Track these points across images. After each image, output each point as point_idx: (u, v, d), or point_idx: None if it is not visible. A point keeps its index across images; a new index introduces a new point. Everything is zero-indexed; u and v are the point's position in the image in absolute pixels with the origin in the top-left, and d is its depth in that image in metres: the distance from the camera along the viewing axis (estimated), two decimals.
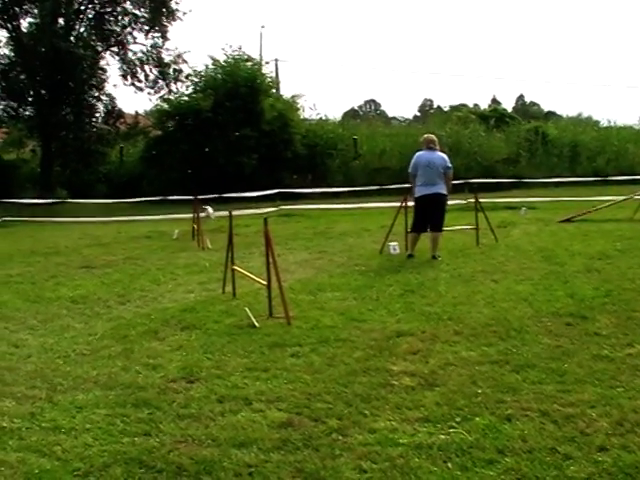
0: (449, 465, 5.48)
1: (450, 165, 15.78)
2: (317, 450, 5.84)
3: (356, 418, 6.45)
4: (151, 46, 41.33)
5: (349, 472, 5.45)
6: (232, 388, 7.39)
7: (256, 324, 9.89)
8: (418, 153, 15.86)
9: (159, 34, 41.19)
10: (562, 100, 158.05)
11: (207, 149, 35.80)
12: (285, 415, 6.58)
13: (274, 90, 42.17)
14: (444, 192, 15.60)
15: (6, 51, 39.25)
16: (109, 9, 40.60)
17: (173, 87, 41.31)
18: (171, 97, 40.39)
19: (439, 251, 15.38)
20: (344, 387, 7.27)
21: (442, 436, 5.99)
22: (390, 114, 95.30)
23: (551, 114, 64.58)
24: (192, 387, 7.50)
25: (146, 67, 41.36)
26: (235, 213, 13.78)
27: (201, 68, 39.70)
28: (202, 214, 23.21)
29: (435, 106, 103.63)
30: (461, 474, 5.34)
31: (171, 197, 29.34)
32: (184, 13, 41.02)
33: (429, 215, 15.51)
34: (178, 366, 8.23)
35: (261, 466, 5.60)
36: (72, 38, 39.06)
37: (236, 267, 12.12)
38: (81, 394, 7.40)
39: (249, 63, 39.25)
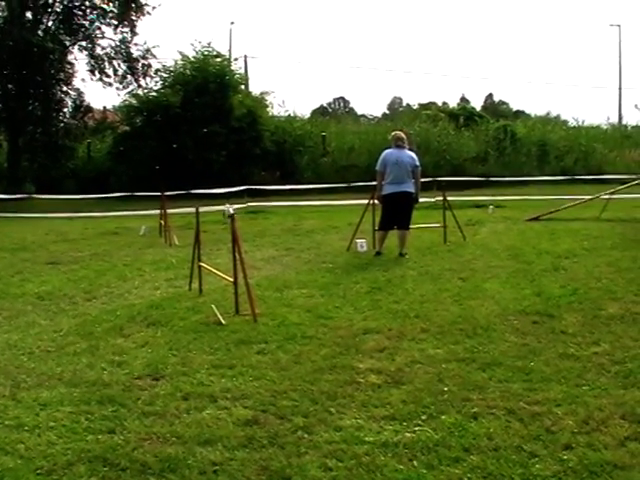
0: (415, 463, 5.48)
1: (418, 164, 15.86)
2: (283, 448, 5.82)
3: (322, 416, 6.44)
4: (120, 41, 41.19)
5: (315, 470, 5.43)
6: (197, 385, 7.36)
7: (222, 321, 9.85)
8: (387, 151, 15.85)
9: (128, 29, 41.05)
10: (531, 99, 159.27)
11: (175, 145, 35.73)
12: (251, 412, 6.55)
13: (243, 86, 42.20)
14: (412, 191, 15.61)
15: None
16: (78, 3, 40.38)
17: (142, 82, 41.20)
18: (140, 92, 40.24)
19: (406, 249, 15.44)
20: (310, 384, 7.25)
21: (408, 434, 5.99)
22: (359, 112, 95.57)
23: (520, 113, 64.94)
24: (157, 384, 7.46)
25: (114, 62, 41.21)
26: (203, 209, 13.72)
27: (170, 63, 39.68)
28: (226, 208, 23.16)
29: (404, 104, 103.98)
30: (427, 472, 5.34)
31: (138, 193, 29.24)
32: (153, 8, 40.97)
33: (397, 213, 15.52)
34: (143, 363, 8.19)
35: (226, 464, 5.57)
36: (40, 32, 38.82)
37: (203, 264, 12.07)
38: (45, 391, 7.34)
39: (218, 59, 39.24)
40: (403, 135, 16.21)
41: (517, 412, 6.35)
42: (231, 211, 20.09)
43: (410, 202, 15.71)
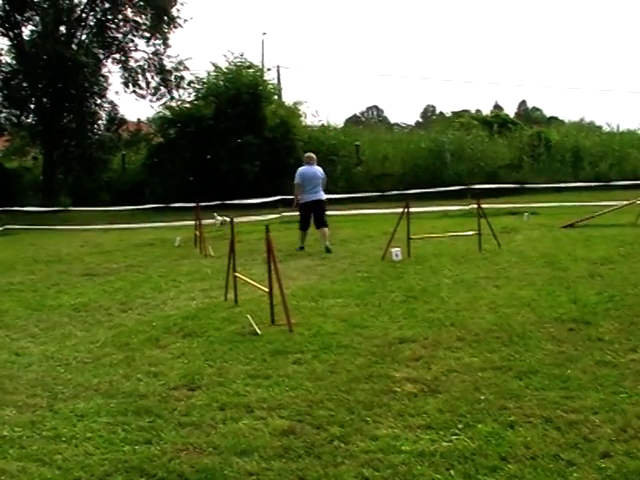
0: (452, 472, 5.46)
1: (325, 176, 19.89)
2: (319, 458, 5.81)
3: (358, 425, 6.42)
4: (152, 53, 41.51)
5: None
6: (234, 395, 7.37)
7: (258, 331, 9.86)
8: (302, 168, 19.66)
9: (160, 41, 41.38)
10: (564, 105, 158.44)
11: (209, 156, 35.84)
12: (287, 422, 6.55)
13: (276, 97, 42.27)
14: (324, 198, 19.66)
15: (8, 59, 39.43)
16: (110, 17, 40.67)
17: (175, 94, 41.47)
18: (173, 104, 40.46)
19: (329, 242, 18.59)
20: (346, 394, 7.24)
21: (445, 443, 5.96)
22: (392, 120, 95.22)
23: (553, 119, 64.48)
24: (193, 395, 7.48)
25: (147, 74, 41.55)
26: (237, 220, 13.76)
27: (203, 75, 39.86)
28: (211, 220, 23.52)
29: (437, 112, 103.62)
30: None
31: (173, 204, 29.42)
32: (185, 20, 41.28)
33: (314, 215, 19.21)
34: (179, 374, 8.21)
35: (262, 474, 5.58)
36: (74, 46, 39.21)
37: (238, 274, 12.09)
38: (82, 402, 7.39)
39: (251, 70, 39.36)
40: (314, 155, 20.29)
41: (554, 420, 6.31)
42: (219, 221, 21.28)
43: (323, 206, 19.52)
